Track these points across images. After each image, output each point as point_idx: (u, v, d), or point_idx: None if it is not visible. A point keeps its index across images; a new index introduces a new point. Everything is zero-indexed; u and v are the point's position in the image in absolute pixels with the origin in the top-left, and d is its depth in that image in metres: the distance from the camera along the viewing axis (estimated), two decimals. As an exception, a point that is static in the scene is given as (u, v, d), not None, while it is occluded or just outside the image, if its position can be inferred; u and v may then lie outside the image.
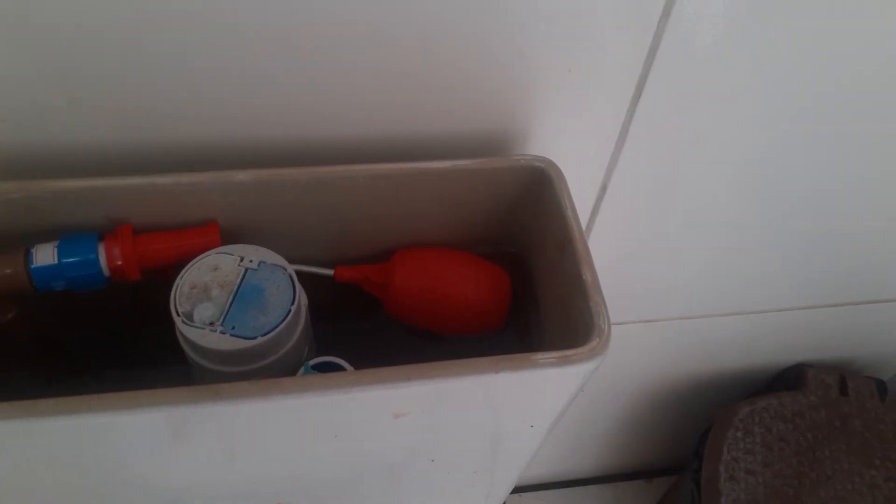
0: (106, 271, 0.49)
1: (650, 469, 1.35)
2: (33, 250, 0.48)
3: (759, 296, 0.84)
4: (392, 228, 0.57)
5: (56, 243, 0.49)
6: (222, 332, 0.47)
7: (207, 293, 0.49)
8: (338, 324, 0.58)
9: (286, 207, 0.53)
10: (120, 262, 0.49)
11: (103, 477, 0.49)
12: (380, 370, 0.42)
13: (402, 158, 0.52)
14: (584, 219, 0.68)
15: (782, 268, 0.79)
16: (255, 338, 0.47)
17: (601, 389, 1.06)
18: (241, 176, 0.50)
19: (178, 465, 0.48)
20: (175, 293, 0.48)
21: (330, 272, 0.57)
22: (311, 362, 0.51)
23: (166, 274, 0.52)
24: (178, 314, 0.48)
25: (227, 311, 0.48)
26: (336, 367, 0.51)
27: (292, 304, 0.49)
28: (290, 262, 0.50)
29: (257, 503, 0.58)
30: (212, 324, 0.47)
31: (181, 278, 0.49)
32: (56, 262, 0.48)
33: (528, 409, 0.49)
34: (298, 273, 0.51)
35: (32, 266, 0.48)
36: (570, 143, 0.57)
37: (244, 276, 0.50)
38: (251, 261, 0.50)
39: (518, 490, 1.32)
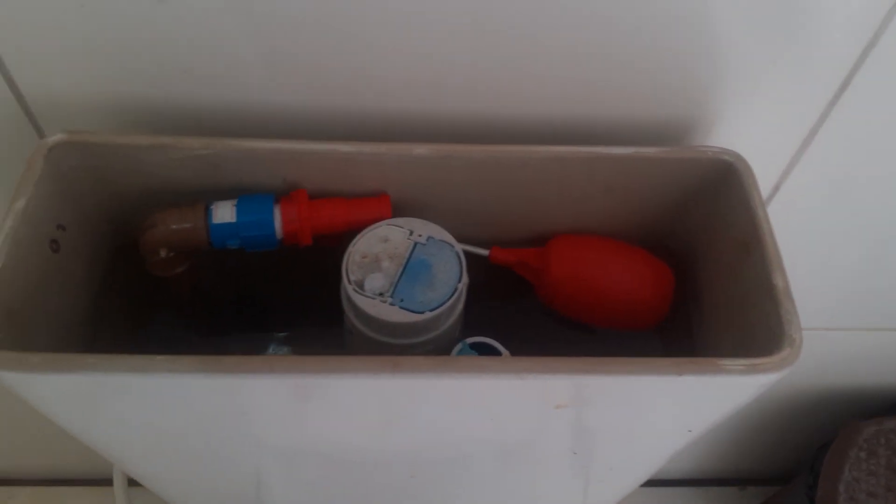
0: (279, 234, 0.50)
1: (744, 478, 1.31)
2: (213, 207, 0.49)
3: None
4: (552, 213, 0.55)
5: (234, 202, 0.50)
6: (392, 304, 0.47)
7: (378, 264, 0.49)
8: (486, 304, 0.57)
9: (455, 184, 0.52)
10: (294, 226, 0.50)
11: (256, 436, 0.50)
12: (558, 359, 0.41)
13: (575, 142, 0.51)
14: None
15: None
16: (422, 312, 0.47)
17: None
18: (420, 150, 0.49)
19: (334, 431, 0.49)
20: (347, 261, 0.49)
21: (485, 252, 0.56)
22: (469, 341, 0.51)
23: (331, 241, 0.53)
24: (349, 282, 0.48)
25: (397, 283, 0.48)
26: (491, 349, 0.51)
27: (459, 282, 0.48)
28: (448, 238, 0.50)
29: (390, 472, 0.59)
30: (381, 294, 0.47)
31: (353, 246, 0.49)
32: (234, 220, 0.49)
33: (695, 413, 0.47)
34: (452, 250, 0.50)
35: (212, 223, 0.49)
36: (752, 138, 0.54)
37: (413, 249, 0.50)
38: (420, 235, 0.50)
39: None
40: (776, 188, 0.59)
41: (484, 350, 0.51)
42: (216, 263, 0.55)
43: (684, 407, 0.45)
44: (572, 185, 0.53)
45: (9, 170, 0.55)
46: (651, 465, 0.57)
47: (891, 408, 0.99)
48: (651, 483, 1.29)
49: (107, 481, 1.23)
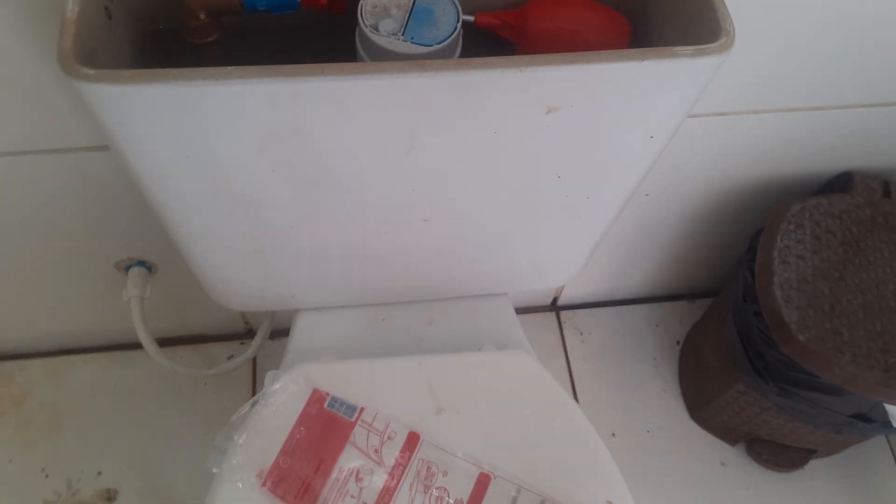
0: (300, -6, 0.58)
1: (693, 292, 1.47)
2: (241, -26, 0.57)
3: (818, 91, 0.92)
4: (527, -22, 0.65)
5: (259, -31, 0.58)
6: (404, 40, 0.56)
7: (387, 11, 0.58)
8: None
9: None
10: (312, -15, 0.58)
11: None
12: (550, 55, 0.51)
13: None
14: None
15: (847, 61, 0.86)
16: (431, 45, 0.57)
17: (653, 210, 1.16)
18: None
19: (362, 150, 0.58)
20: (361, 9, 0.57)
21: (471, 18, 0.65)
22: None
23: (339, 5, 0.61)
24: (366, 25, 0.57)
25: (406, 25, 0.57)
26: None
27: (457, 21, 0.58)
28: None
29: (405, 220, 0.69)
30: (395, 34, 0.57)
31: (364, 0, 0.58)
32: (262, -17, 0.57)
33: (654, 112, 0.58)
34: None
35: (243, -14, 0.57)
36: None
37: (415, 0, 0.59)
38: (420, -11, 0.59)
39: (569, 307, 1.45)
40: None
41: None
42: (241, 36, 0.63)
43: (646, 101, 0.56)
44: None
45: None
46: (622, 191, 0.69)
47: (813, 194, 1.15)
48: (610, 303, 1.45)
49: (115, 346, 1.33)
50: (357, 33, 0.58)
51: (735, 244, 1.29)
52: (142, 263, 1.10)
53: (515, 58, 0.51)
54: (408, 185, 0.63)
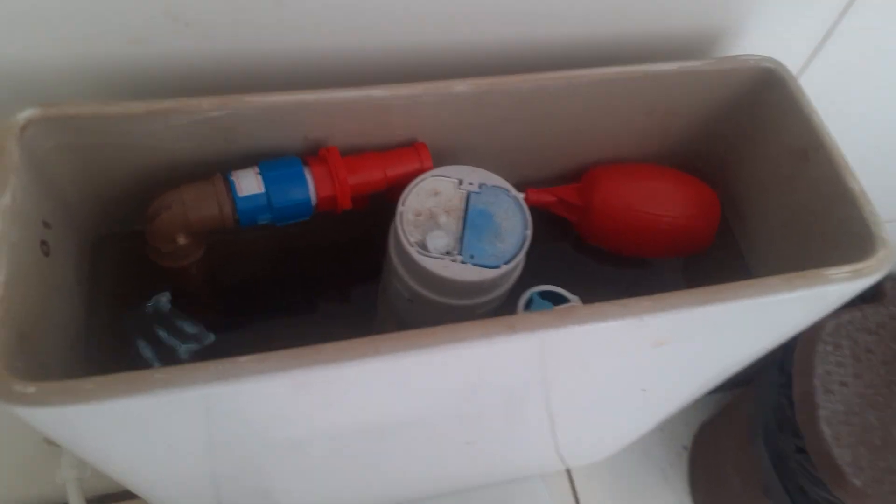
0: (314, 200, 0.43)
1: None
2: (233, 178, 0.42)
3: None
4: (588, 144, 0.52)
5: (256, 169, 0.42)
6: (463, 262, 0.42)
7: (436, 220, 0.43)
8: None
9: (490, 123, 0.47)
10: (330, 189, 0.43)
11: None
12: (675, 295, 0.38)
13: (600, 64, 0.47)
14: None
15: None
16: (498, 266, 0.42)
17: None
18: (460, 86, 0.44)
19: (417, 404, 0.44)
20: (400, 221, 0.43)
21: (520, 196, 0.52)
22: (536, 291, 0.47)
23: (359, 203, 0.47)
24: (410, 244, 0.42)
25: (462, 238, 0.43)
26: (558, 297, 0.47)
27: (526, 228, 0.44)
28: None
29: (444, 447, 0.54)
30: (448, 253, 0.42)
31: (403, 205, 0.44)
32: (263, 190, 0.42)
33: (780, 331, 0.46)
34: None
35: (237, 196, 0.41)
36: (767, 42, 0.53)
37: (468, 200, 0.45)
38: (471, 183, 0.45)
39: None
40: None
41: (553, 298, 0.47)
42: (224, 246, 0.47)
43: (776, 323, 0.44)
44: (613, 110, 0.49)
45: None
46: (705, 390, 0.56)
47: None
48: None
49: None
50: (394, 249, 0.44)
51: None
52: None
53: (631, 303, 0.38)
54: (457, 423, 0.49)
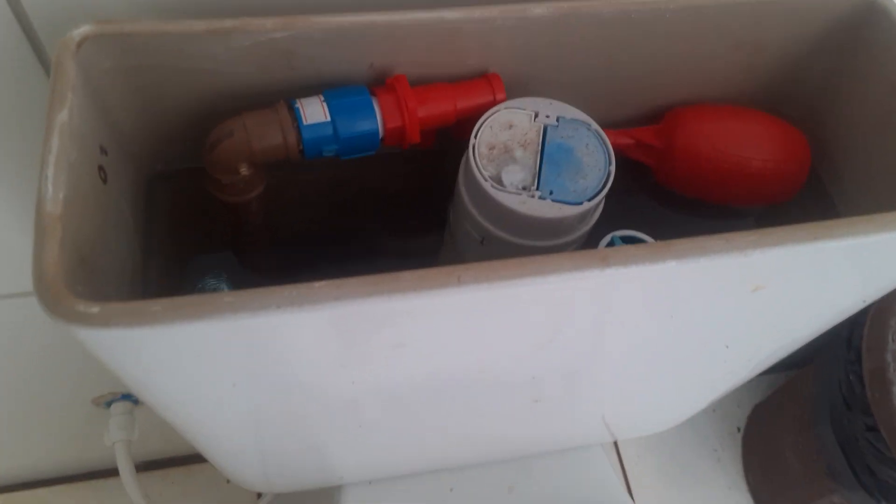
0: (381, 132, 0.40)
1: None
2: (297, 105, 0.39)
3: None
4: (669, 81, 0.48)
5: (321, 97, 0.40)
6: (542, 198, 0.39)
7: (510, 154, 0.40)
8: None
9: (568, 53, 0.44)
10: (398, 121, 0.40)
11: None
12: (782, 230, 0.35)
13: None
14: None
15: None
16: (580, 203, 0.39)
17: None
18: (538, 10, 0.41)
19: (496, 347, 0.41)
20: (474, 155, 0.40)
21: (601, 130, 0.48)
22: (617, 234, 0.44)
23: (427, 140, 0.44)
24: (485, 178, 0.39)
25: (539, 173, 0.40)
26: (638, 242, 0.44)
27: (609, 164, 0.41)
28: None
29: (511, 404, 0.52)
30: (525, 188, 0.39)
31: (475, 138, 0.41)
32: (329, 118, 0.39)
33: (884, 277, 0.42)
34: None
35: (303, 124, 0.39)
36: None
37: (545, 133, 0.41)
38: (548, 116, 0.42)
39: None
40: None
41: (632, 242, 0.44)
42: (284, 186, 0.45)
43: (871, 271, 0.40)
44: (699, 44, 0.46)
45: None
46: (790, 348, 0.52)
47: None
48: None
49: (80, 476, 1.12)
50: (465, 185, 0.41)
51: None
52: (126, 397, 0.90)
53: (736, 237, 0.34)
54: (529, 375, 0.46)
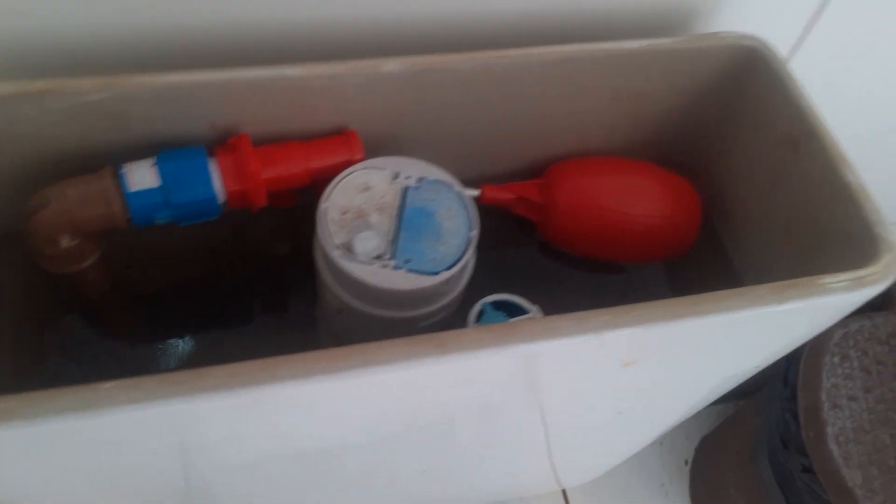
0: (221, 196, 0.37)
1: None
2: (124, 170, 0.36)
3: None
4: (548, 136, 0.46)
5: (153, 160, 0.36)
6: (396, 268, 0.36)
7: (365, 220, 0.37)
8: (481, 255, 0.48)
9: (432, 108, 0.41)
10: (240, 184, 0.37)
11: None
12: (642, 306, 0.32)
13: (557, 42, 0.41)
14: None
15: None
16: (436, 273, 0.36)
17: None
18: (390, 65, 0.38)
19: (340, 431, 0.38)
20: (324, 221, 0.37)
21: (475, 192, 0.46)
22: (488, 301, 0.41)
23: (285, 200, 0.41)
24: (334, 246, 0.36)
25: (396, 240, 0.37)
26: (516, 308, 0.41)
27: (470, 230, 0.38)
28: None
29: (401, 477, 0.48)
30: (379, 257, 0.36)
31: (326, 201, 0.37)
32: (158, 184, 0.36)
33: (773, 345, 0.39)
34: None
35: (128, 191, 0.35)
36: (752, 18, 0.46)
37: (404, 196, 0.38)
38: (408, 177, 0.39)
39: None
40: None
41: (509, 309, 0.41)
42: (130, 249, 0.41)
43: (770, 338, 0.38)
44: (574, 96, 0.43)
45: None
46: (693, 410, 0.49)
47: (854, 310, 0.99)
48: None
49: None
50: (318, 252, 0.38)
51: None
52: None
53: (589, 317, 0.31)
54: (402, 455, 0.43)
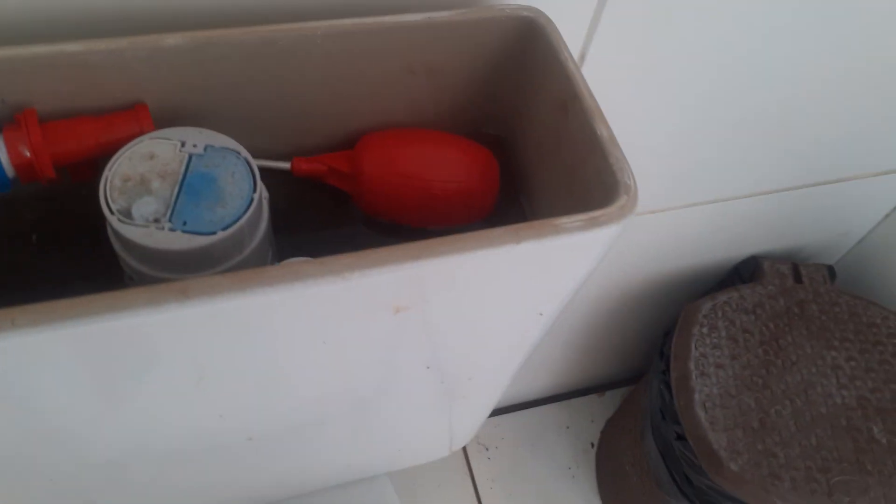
0: (10, 171, 0.39)
1: (601, 384, 1.34)
2: None
3: (714, 184, 0.81)
4: (356, 108, 0.48)
5: (-64, 136, 0.38)
6: (172, 230, 0.38)
7: (146, 186, 0.39)
8: (300, 227, 0.50)
9: (228, 83, 0.43)
10: (28, 156, 0.39)
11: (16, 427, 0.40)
12: (384, 250, 0.35)
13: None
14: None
15: (735, 154, 0.76)
16: (213, 233, 0.38)
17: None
18: (171, 40, 0.40)
19: (129, 400, 0.40)
20: (105, 188, 0.39)
21: (286, 165, 0.48)
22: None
23: (87, 173, 0.42)
24: (111, 212, 0.38)
25: (174, 205, 0.39)
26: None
27: (253, 192, 0.40)
28: (240, 151, 0.42)
29: (225, 445, 0.50)
30: (157, 220, 0.38)
31: (110, 170, 0.39)
32: (-61, 159, 0.37)
33: (541, 290, 0.43)
34: (250, 166, 0.42)
35: None
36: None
37: (188, 163, 0.40)
38: (195, 145, 0.41)
39: (472, 419, 1.28)
40: (583, 57, 0.56)
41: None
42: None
43: (528, 283, 0.41)
44: (369, 68, 0.46)
45: None
46: (509, 366, 0.52)
47: (720, 283, 1.04)
48: (513, 408, 1.30)
49: None
50: (107, 222, 0.40)
51: (644, 331, 1.17)
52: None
53: (332, 260, 0.34)
54: (210, 420, 0.45)
